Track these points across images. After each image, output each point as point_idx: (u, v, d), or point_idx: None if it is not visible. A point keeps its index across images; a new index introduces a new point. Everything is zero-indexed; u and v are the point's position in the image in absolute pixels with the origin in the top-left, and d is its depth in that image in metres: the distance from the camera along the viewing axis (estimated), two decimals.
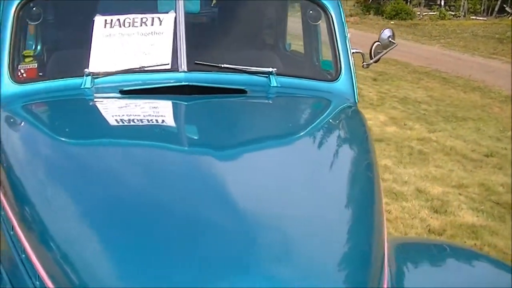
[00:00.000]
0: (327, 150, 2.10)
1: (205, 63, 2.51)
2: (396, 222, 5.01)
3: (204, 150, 1.91)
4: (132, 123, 2.20)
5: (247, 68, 2.57)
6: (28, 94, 2.46)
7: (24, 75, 2.56)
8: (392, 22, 26.29)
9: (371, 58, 3.04)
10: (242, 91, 2.44)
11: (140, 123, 2.19)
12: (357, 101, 2.74)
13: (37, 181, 1.80)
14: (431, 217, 5.14)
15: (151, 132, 2.08)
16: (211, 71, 2.52)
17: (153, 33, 2.55)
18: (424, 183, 6.08)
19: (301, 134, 2.24)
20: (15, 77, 2.50)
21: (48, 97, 2.45)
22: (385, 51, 3.06)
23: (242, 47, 2.79)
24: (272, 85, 2.57)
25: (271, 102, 2.58)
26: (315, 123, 2.36)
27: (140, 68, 2.50)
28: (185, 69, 2.49)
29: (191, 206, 1.51)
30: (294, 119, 2.45)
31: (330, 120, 2.46)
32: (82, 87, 2.44)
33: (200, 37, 2.63)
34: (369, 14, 28.73)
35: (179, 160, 1.84)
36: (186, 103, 2.35)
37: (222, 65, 2.55)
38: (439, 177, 6.33)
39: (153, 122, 2.22)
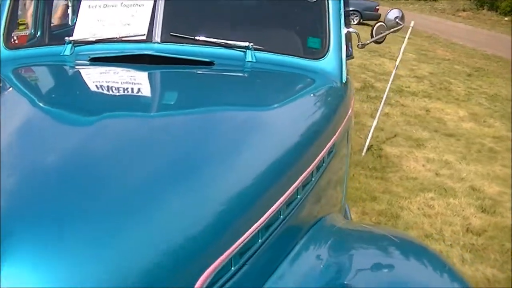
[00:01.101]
0: (270, 125, 2.02)
1: (179, 35, 2.53)
2: (435, 217, 4.80)
3: (137, 111, 1.91)
4: (87, 87, 2.27)
5: (223, 42, 2.56)
6: (17, 58, 2.61)
7: (16, 41, 2.72)
8: (506, 19, 25.01)
9: (371, 38, 2.91)
10: (209, 63, 2.43)
11: (95, 88, 2.25)
12: (343, 82, 2.64)
13: None
14: (475, 216, 4.87)
15: (101, 96, 2.11)
16: (185, 43, 2.54)
17: (134, 5, 2.60)
18: (482, 181, 5.77)
19: (253, 105, 2.17)
20: (8, 44, 2.67)
21: (33, 63, 2.58)
22: (388, 31, 2.93)
23: (221, 21, 2.77)
24: (247, 59, 2.55)
25: (238, 74, 2.54)
26: (276, 98, 2.29)
27: (118, 38, 2.57)
28: (159, 40, 2.53)
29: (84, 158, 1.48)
30: (254, 91, 2.38)
31: (296, 96, 2.39)
32: (62, 54, 2.55)
33: (179, 10, 2.63)
34: (483, 9, 27.45)
35: (109, 120, 1.81)
36: (147, 72, 2.37)
37: (196, 38, 2.55)
38: (501, 176, 5.98)
39: (106, 86, 2.26)
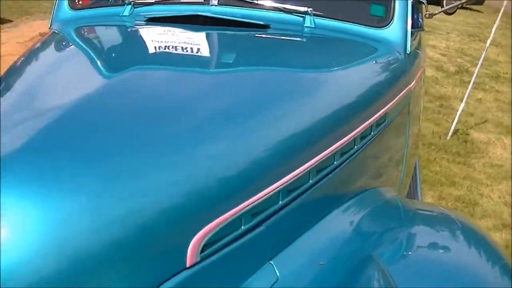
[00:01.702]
0: (320, 87, 1.95)
1: None
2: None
3: (197, 67, 1.92)
4: (146, 46, 2.27)
5: (281, 6, 2.50)
6: (79, 18, 2.66)
7: (80, 2, 2.78)
8: None
9: (441, 8, 2.74)
10: (264, 26, 2.37)
11: (153, 46, 2.25)
12: (407, 53, 2.51)
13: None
14: None
15: (159, 54, 2.11)
16: (242, 7, 2.49)
17: None
18: None
19: (306, 66, 2.11)
20: (73, 5, 2.73)
21: (93, 23, 2.62)
22: (459, 2, 2.74)
23: None
24: (305, 25, 2.47)
25: (296, 38, 2.46)
26: (331, 62, 2.20)
27: (176, 0, 2.56)
28: (216, 3, 2.50)
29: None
30: (311, 54, 2.31)
31: (353, 63, 2.28)
32: (121, 14, 2.57)
33: None
34: None
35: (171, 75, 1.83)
36: (204, 32, 2.35)
37: (253, 1, 2.50)
38: None
39: (165, 45, 2.25)
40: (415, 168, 3.59)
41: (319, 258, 1.57)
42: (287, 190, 1.54)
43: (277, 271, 1.45)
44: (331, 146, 1.72)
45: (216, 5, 2.49)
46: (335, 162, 1.76)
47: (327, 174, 1.71)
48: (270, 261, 1.47)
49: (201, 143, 1.37)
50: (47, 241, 1.08)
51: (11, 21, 11.54)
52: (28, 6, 12.70)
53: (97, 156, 1.21)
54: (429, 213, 2.12)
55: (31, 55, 2.24)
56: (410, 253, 1.66)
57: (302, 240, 1.60)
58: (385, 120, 2.15)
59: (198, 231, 1.26)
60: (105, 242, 1.12)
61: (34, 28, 9.15)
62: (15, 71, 2.03)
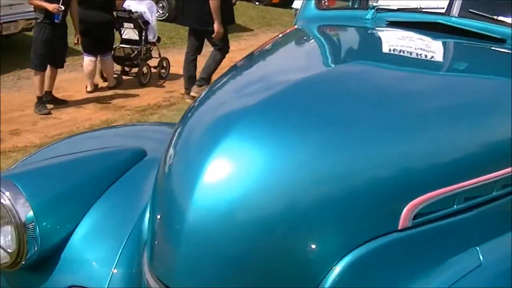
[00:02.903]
0: None
1: (477, 12, 2.57)
2: None
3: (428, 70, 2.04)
4: (382, 45, 2.44)
5: None
6: (324, 18, 2.94)
7: (326, 3, 3.05)
8: None
9: None
10: (501, 40, 2.43)
11: (389, 47, 2.42)
12: None
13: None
14: None
15: (393, 55, 2.27)
16: (481, 20, 2.57)
17: None
18: None
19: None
20: (320, 5, 3.02)
21: (337, 24, 2.88)
22: None
23: None
24: None
25: None
26: None
27: (418, 8, 2.71)
28: (456, 15, 2.59)
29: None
30: None
31: None
32: (364, 18, 2.79)
33: None
34: None
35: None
36: (441, 40, 2.47)
37: (495, 17, 2.56)
38: None
39: (399, 47, 2.40)
40: None
41: None
42: (501, 184, 1.60)
43: (481, 257, 1.50)
44: None
45: (456, 17, 2.60)
46: None
47: None
48: (476, 247, 1.53)
49: (423, 128, 1.50)
50: (268, 183, 1.25)
51: (252, 30, 12.51)
52: (269, 18, 13.72)
53: (324, 120, 1.39)
54: None
55: (271, 45, 2.52)
56: None
57: (509, 234, 1.63)
58: None
59: (414, 198, 1.38)
60: (324, 195, 1.28)
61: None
62: (254, 56, 2.29)
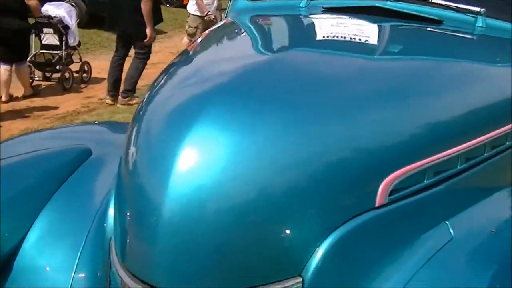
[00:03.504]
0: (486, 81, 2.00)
1: None
2: None
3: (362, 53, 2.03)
4: (320, 31, 2.41)
5: (454, 5, 2.54)
6: (257, 9, 2.86)
7: None
8: None
9: None
10: (438, 21, 2.43)
11: (326, 32, 2.39)
12: None
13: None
14: None
15: (327, 40, 2.24)
16: (416, 4, 2.57)
17: None
18: None
19: (475, 61, 2.15)
20: None
21: (268, 13, 2.82)
22: None
23: None
24: (477, 25, 2.50)
25: (467, 36, 2.49)
26: (500, 60, 2.23)
27: None
28: None
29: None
30: (481, 52, 2.34)
31: None
32: (298, 6, 2.74)
33: None
34: None
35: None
36: (377, 23, 2.45)
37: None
38: None
39: (333, 33, 2.37)
40: None
41: (491, 226, 1.62)
42: (466, 157, 1.64)
43: (451, 231, 1.53)
44: (508, 124, 1.77)
45: (391, 0, 2.58)
46: (507, 142, 1.81)
47: (506, 149, 1.76)
48: (446, 221, 1.56)
49: (379, 106, 1.50)
50: (239, 170, 1.23)
51: (165, 32, 12.36)
52: (182, 20, 13.50)
53: (283, 103, 1.37)
54: None
55: (205, 40, 2.46)
56: None
57: (477, 207, 1.67)
58: None
59: (389, 174, 1.39)
60: (297, 178, 1.26)
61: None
62: (189, 53, 2.24)
